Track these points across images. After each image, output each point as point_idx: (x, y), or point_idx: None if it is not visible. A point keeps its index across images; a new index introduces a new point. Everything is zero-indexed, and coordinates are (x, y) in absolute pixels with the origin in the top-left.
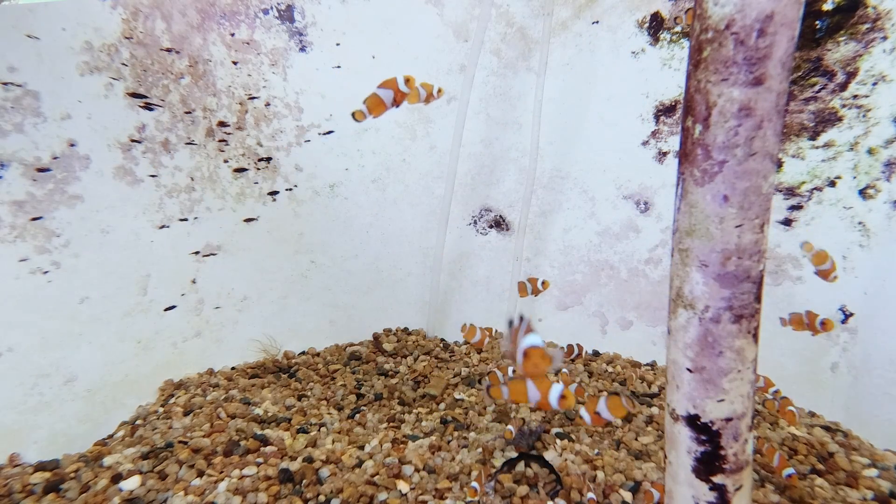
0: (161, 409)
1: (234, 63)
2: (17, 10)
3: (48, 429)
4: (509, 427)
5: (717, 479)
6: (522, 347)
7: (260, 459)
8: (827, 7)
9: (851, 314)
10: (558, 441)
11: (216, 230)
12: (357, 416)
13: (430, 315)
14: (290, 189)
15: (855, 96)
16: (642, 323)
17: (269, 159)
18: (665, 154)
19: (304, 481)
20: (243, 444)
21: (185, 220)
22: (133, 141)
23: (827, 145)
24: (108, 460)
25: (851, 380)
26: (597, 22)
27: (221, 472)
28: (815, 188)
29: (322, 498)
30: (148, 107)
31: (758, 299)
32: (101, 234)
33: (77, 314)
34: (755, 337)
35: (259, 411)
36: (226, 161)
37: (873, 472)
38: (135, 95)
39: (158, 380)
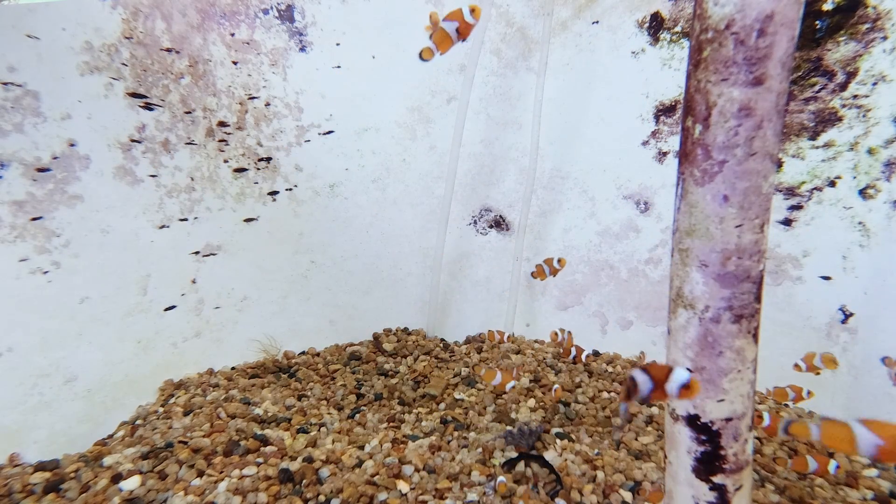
0: (161, 409)
1: (234, 63)
2: (17, 10)
3: (48, 429)
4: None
5: (717, 479)
6: (676, 385)
7: (260, 459)
8: (827, 7)
9: (851, 314)
10: (558, 441)
11: (216, 230)
12: (357, 416)
13: (430, 315)
14: (290, 189)
15: (855, 96)
16: (642, 323)
17: (269, 159)
18: (665, 154)
19: (304, 481)
20: (243, 444)
21: (185, 220)
22: (133, 141)
23: (827, 145)
24: (108, 460)
25: (851, 380)
26: (597, 22)
27: (221, 472)
28: (815, 188)
29: (322, 498)
30: (148, 107)
31: (758, 299)
32: (101, 234)
33: (77, 314)
34: (755, 337)
35: (259, 411)
36: (226, 161)
37: (873, 472)
38: (135, 95)
39: (158, 380)
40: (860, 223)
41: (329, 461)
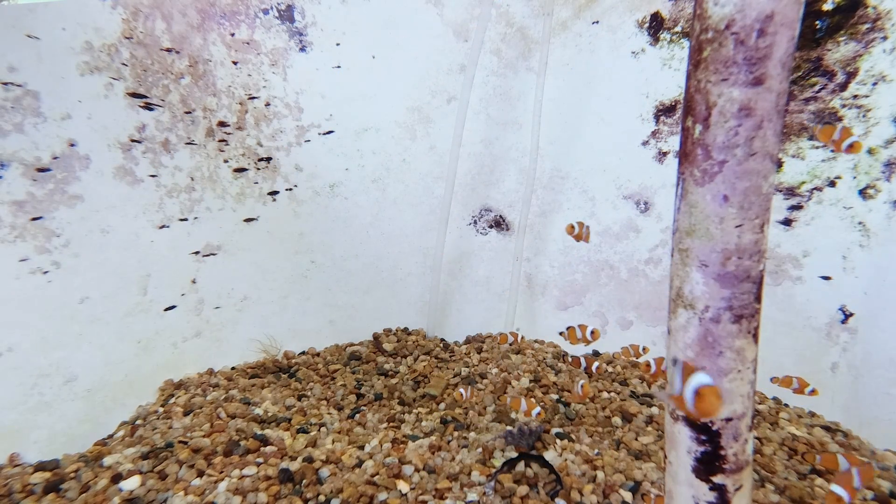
0: (161, 409)
1: (234, 63)
2: (17, 10)
3: (48, 429)
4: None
5: (717, 479)
6: (692, 387)
7: (260, 459)
8: (827, 7)
9: (851, 314)
10: (558, 441)
11: (216, 230)
12: (357, 416)
13: (430, 315)
14: (290, 189)
15: (855, 96)
16: (642, 323)
17: (269, 159)
18: (665, 154)
19: (304, 481)
20: (243, 444)
21: (185, 220)
22: (133, 141)
23: (827, 145)
24: (108, 460)
25: (851, 380)
26: (597, 22)
27: (221, 472)
28: (815, 188)
29: (322, 498)
30: (148, 107)
31: (758, 299)
32: (101, 234)
33: (77, 314)
34: (755, 337)
35: (259, 411)
36: (226, 161)
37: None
38: (135, 95)
39: (158, 380)
40: (860, 223)
41: (329, 461)
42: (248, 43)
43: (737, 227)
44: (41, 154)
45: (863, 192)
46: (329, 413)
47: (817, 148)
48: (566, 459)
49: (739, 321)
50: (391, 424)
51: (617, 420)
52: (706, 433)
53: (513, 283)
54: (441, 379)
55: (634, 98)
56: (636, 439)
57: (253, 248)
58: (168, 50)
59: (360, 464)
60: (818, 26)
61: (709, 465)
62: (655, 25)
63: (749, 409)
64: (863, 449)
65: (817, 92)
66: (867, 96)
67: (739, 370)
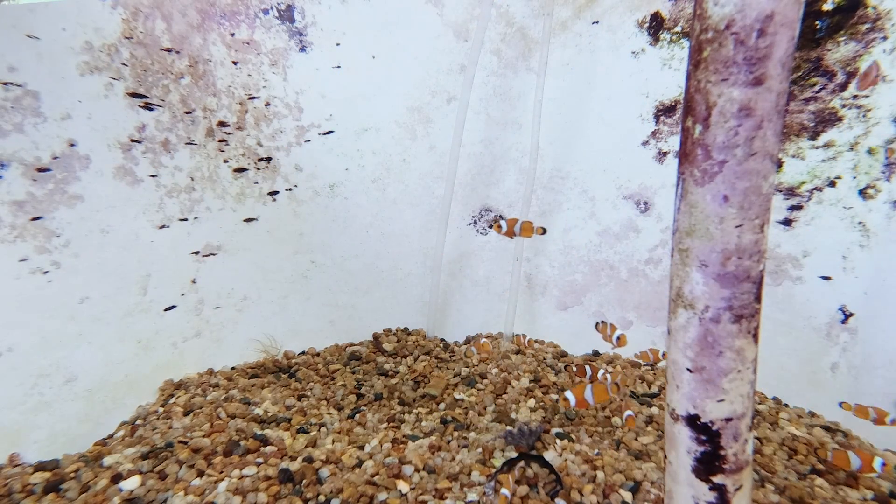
0: (161, 409)
1: (234, 63)
2: (17, 10)
3: (48, 429)
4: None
5: (717, 479)
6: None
7: (260, 459)
8: (827, 7)
9: (851, 314)
10: (558, 441)
11: (216, 230)
12: (357, 416)
13: (430, 315)
14: (290, 189)
15: (855, 96)
16: (642, 323)
17: (269, 159)
18: (665, 154)
19: (304, 481)
20: (243, 444)
21: (185, 220)
22: (133, 141)
23: (827, 145)
24: (108, 460)
25: (851, 380)
26: (597, 22)
27: (221, 472)
28: (815, 188)
29: (322, 498)
30: (148, 107)
31: (758, 299)
32: (101, 234)
33: (77, 314)
34: (755, 337)
35: (259, 411)
36: (226, 161)
37: (873, 472)
38: (135, 95)
39: (158, 380)
40: (860, 223)
41: (329, 461)
42: (248, 43)
43: (737, 227)
44: (41, 154)
45: (863, 193)
46: (329, 413)
47: (817, 148)
48: (566, 459)
49: (739, 321)
50: (391, 424)
51: (617, 420)
52: (706, 433)
53: (513, 283)
54: (441, 379)
55: (634, 98)
56: (636, 439)
57: (253, 248)
58: (168, 50)
59: (360, 464)
60: (818, 26)
61: (709, 465)
62: (655, 25)
63: (749, 409)
64: (862, 449)
65: (817, 92)
66: (867, 96)
67: (739, 370)
